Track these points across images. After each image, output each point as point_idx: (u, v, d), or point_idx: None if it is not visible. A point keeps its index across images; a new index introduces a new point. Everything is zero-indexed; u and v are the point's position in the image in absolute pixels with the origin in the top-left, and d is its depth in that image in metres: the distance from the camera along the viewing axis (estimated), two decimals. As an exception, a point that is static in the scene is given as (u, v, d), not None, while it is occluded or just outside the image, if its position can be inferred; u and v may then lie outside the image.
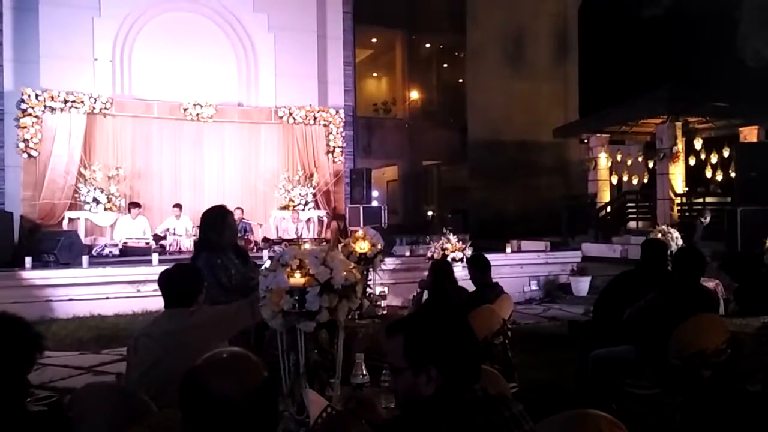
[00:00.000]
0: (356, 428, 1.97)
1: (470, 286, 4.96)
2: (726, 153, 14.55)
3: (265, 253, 9.15)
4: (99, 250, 10.23)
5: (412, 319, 1.91)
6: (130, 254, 10.10)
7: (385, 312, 4.66)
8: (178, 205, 11.48)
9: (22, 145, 11.14)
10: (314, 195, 12.91)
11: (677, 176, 14.26)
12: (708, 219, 10.72)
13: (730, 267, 4.51)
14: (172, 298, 3.01)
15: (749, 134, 14.41)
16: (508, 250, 10.89)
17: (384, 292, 4.86)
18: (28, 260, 8.42)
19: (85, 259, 8.86)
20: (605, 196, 16.44)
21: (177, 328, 2.87)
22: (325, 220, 13.07)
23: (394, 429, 1.74)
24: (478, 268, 4.87)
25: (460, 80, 20.95)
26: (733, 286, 4.70)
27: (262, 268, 3.43)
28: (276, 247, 9.59)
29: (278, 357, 2.31)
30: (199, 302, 3.05)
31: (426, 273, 5.37)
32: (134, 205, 11.25)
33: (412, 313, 4.14)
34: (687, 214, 14.22)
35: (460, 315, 1.81)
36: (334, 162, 13.48)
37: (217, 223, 4.04)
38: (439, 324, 1.75)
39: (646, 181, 16.59)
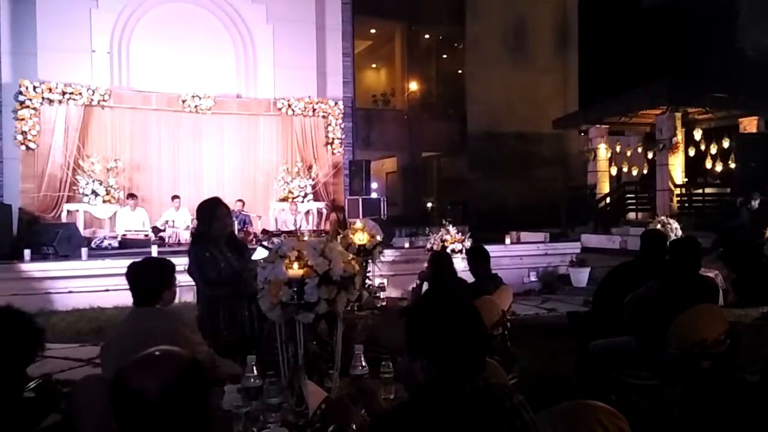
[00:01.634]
0: (356, 416, 1.98)
1: (470, 278, 4.96)
2: (726, 144, 14.53)
3: (259, 249, 9.13)
4: (98, 242, 10.24)
5: (414, 308, 1.93)
6: (129, 246, 10.11)
7: (384, 303, 4.66)
8: (177, 197, 11.48)
9: (20, 137, 11.12)
10: (313, 187, 12.90)
11: (677, 167, 14.25)
12: (757, 203, 9.34)
13: (730, 257, 4.51)
14: (138, 294, 2.98)
15: (749, 125, 14.38)
16: (508, 241, 10.90)
17: (383, 283, 4.87)
18: (27, 252, 8.44)
19: (84, 251, 8.87)
20: (605, 187, 16.43)
21: (146, 328, 2.85)
22: (325, 211, 13.06)
23: (393, 417, 1.74)
24: (478, 259, 4.87)
25: (460, 71, 20.87)
26: (732, 276, 4.70)
27: (254, 258, 3.41)
28: (275, 239, 9.59)
29: (277, 348, 2.31)
30: (165, 299, 2.99)
31: (425, 264, 5.36)
32: (130, 196, 11.25)
33: (418, 302, 4.15)
34: (689, 202, 14.21)
35: (463, 307, 1.80)
36: (333, 154, 13.45)
37: (206, 214, 3.98)
38: (432, 315, 1.75)
39: (645, 172, 16.58)
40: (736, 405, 3.22)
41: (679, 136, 14.22)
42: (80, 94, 11.43)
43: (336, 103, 13.47)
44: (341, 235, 4.79)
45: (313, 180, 12.95)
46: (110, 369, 2.84)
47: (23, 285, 8.01)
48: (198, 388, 1.50)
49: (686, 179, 14.74)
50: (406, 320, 1.77)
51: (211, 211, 3.95)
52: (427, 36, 21.73)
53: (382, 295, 4.73)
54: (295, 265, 2.19)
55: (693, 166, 15.13)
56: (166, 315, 3.00)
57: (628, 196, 16.47)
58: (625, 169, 16.85)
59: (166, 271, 3.04)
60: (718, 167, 15.10)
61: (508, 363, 4.04)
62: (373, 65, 23.21)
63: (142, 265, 3.05)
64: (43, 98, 11.22)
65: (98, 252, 9.63)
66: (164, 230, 10.95)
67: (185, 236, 10.69)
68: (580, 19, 20.93)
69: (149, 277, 3.00)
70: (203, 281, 3.82)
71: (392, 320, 3.73)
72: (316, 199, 12.97)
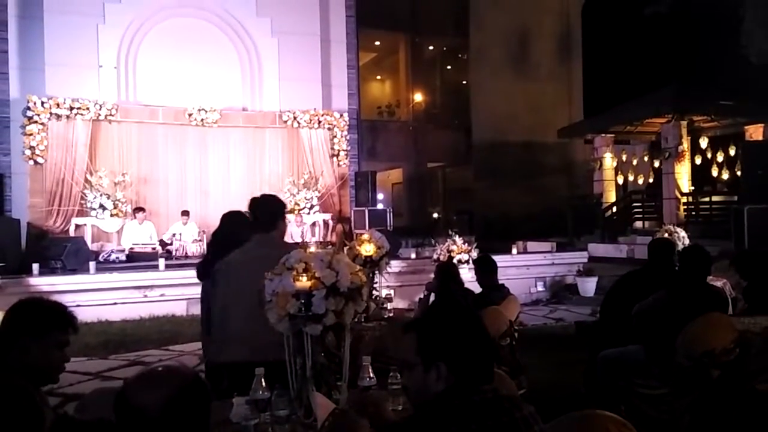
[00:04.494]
0: (363, 429, 1.97)
1: (476, 288, 4.95)
2: (732, 151, 14.49)
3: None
4: (106, 255, 10.27)
5: (426, 316, 1.93)
6: (136, 260, 10.15)
7: (391, 314, 4.66)
8: (186, 212, 11.52)
9: (28, 152, 11.20)
10: (319, 198, 12.93)
11: (683, 175, 14.21)
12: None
13: (741, 264, 4.47)
14: (257, 222, 3.32)
15: (755, 132, 14.34)
16: (514, 251, 10.87)
17: (390, 294, 4.86)
18: (35, 267, 8.48)
19: (92, 265, 8.90)
20: (611, 196, 16.39)
21: (267, 254, 3.09)
22: (331, 223, 13.07)
23: (400, 429, 1.74)
24: (485, 269, 4.86)
25: (464, 82, 20.93)
26: (741, 284, 4.67)
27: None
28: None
29: (286, 360, 2.31)
30: (279, 228, 3.34)
31: (432, 275, 5.36)
32: (138, 209, 11.30)
33: (427, 311, 4.14)
34: (696, 211, 14.17)
35: (474, 315, 1.81)
36: (338, 165, 13.49)
37: (242, 225, 4.07)
38: (453, 321, 1.76)
39: (651, 180, 16.54)
40: (746, 414, 3.19)
41: (685, 145, 14.19)
42: (88, 109, 11.51)
43: (341, 115, 13.52)
44: (348, 247, 4.80)
45: (319, 192, 12.97)
46: (230, 292, 3.13)
47: (32, 299, 8.02)
48: (198, 403, 1.52)
49: (693, 187, 14.70)
50: (418, 332, 1.77)
51: (245, 225, 4.11)
52: (431, 47, 21.82)
53: (389, 306, 4.73)
54: (303, 277, 2.20)
55: (699, 174, 15.08)
56: (281, 245, 3.31)
57: (635, 204, 16.41)
58: (631, 178, 16.81)
59: (281, 204, 3.43)
60: (725, 175, 15.05)
61: (516, 373, 4.03)
62: (378, 77, 23.30)
63: (261, 196, 3.46)
64: (51, 113, 11.31)
65: (106, 266, 9.67)
66: (171, 244, 10.98)
67: (192, 249, 10.73)
68: (584, 28, 20.98)
69: (267, 205, 3.36)
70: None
71: (400, 331, 3.72)
72: (322, 210, 12.98)
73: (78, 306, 8.22)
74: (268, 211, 3.33)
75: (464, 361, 1.69)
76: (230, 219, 4.09)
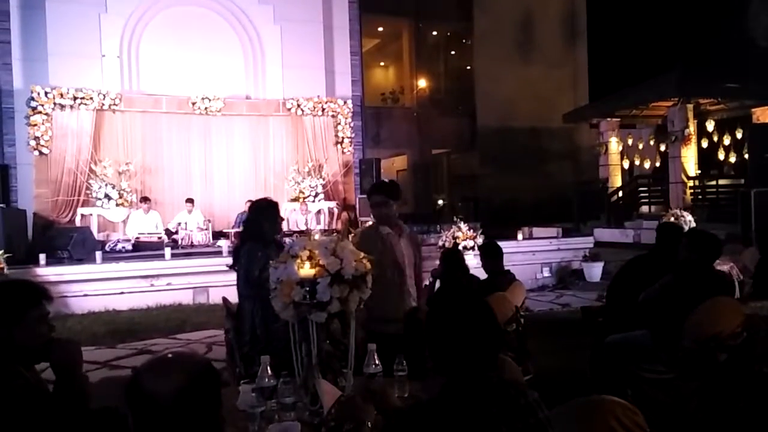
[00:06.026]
0: (368, 415, 1.98)
1: (482, 274, 4.94)
2: (739, 134, 14.40)
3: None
4: (112, 245, 10.30)
5: (430, 307, 1.97)
6: (142, 249, 10.16)
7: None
8: (191, 200, 11.55)
9: (33, 142, 11.22)
10: (324, 186, 12.91)
11: (689, 159, 14.14)
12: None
13: (762, 238, 4.45)
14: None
15: (762, 115, 14.23)
16: (520, 237, 10.85)
17: (395, 281, 4.84)
18: (42, 257, 8.50)
19: (98, 254, 8.93)
20: (617, 181, 16.34)
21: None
22: (336, 211, 13.07)
23: (406, 416, 1.74)
24: (491, 255, 4.85)
25: (468, 67, 20.80)
26: (748, 270, 4.66)
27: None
28: (286, 239, 9.61)
29: (291, 348, 2.31)
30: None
31: (437, 262, 5.35)
32: (144, 199, 11.34)
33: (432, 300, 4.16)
34: (703, 194, 14.11)
35: (473, 304, 1.80)
36: (343, 153, 13.46)
37: (272, 213, 4.02)
38: (434, 315, 1.78)
39: (658, 164, 16.47)
40: (753, 397, 3.19)
41: (692, 128, 14.11)
42: (91, 98, 11.50)
43: (345, 102, 13.47)
44: (353, 234, 4.79)
45: (324, 179, 12.96)
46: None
47: (39, 289, 8.06)
48: (210, 391, 1.50)
49: (699, 171, 14.63)
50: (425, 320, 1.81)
51: (271, 212, 4.01)
52: (434, 33, 21.67)
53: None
54: (307, 264, 2.19)
55: (706, 157, 15.01)
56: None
57: (641, 189, 16.36)
58: (637, 162, 16.75)
59: (383, 188, 3.88)
60: (732, 158, 14.96)
61: (522, 359, 4.03)
62: (382, 63, 23.18)
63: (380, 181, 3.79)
64: (54, 104, 11.30)
65: (112, 255, 9.69)
66: (177, 232, 11.00)
67: (198, 238, 10.76)
68: (589, 11, 20.79)
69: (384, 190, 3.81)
70: (244, 279, 3.82)
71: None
72: (327, 198, 12.97)
73: (85, 295, 8.31)
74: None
75: (445, 353, 1.72)
76: (255, 207, 4.07)
